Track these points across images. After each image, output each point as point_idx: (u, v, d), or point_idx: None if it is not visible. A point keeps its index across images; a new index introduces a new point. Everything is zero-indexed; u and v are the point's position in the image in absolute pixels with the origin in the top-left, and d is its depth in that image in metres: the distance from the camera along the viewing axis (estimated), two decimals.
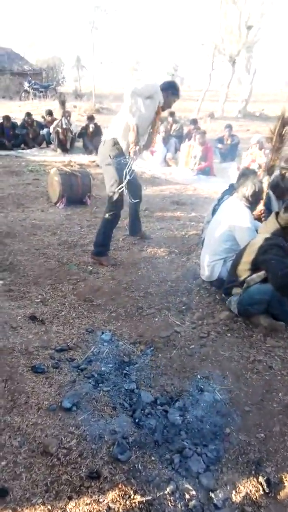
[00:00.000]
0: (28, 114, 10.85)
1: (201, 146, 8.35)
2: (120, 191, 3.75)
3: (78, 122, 12.31)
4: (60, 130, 9.89)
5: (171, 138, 9.53)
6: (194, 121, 10.97)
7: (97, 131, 10.32)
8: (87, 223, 5.18)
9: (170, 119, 10.14)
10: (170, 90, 3.87)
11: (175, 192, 7.21)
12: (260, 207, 3.83)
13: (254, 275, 2.92)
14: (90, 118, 10.66)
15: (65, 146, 10.06)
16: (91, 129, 10.21)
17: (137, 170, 8.02)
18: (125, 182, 3.72)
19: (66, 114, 10.03)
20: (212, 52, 20.45)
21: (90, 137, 10.28)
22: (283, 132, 3.58)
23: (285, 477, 1.88)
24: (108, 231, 3.99)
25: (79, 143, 10.66)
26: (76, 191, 5.84)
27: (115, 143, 3.74)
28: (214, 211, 3.93)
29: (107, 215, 3.91)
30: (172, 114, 10.12)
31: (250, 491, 1.82)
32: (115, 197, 3.79)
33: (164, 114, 5.19)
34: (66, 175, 5.79)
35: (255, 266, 2.91)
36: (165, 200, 6.62)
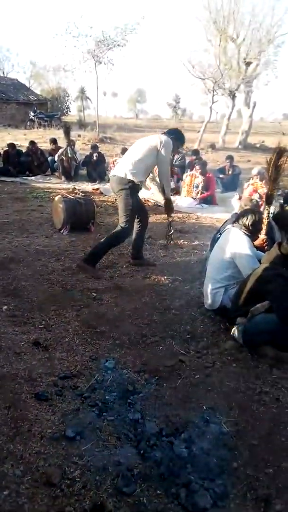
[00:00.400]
0: (32, 143, 11.09)
1: (203, 176, 8.49)
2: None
3: (82, 151, 12.57)
4: (64, 158, 10.08)
5: (173, 168, 9.69)
6: (196, 152, 11.21)
7: (101, 159, 10.53)
8: (91, 249, 5.20)
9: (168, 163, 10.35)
10: (175, 136, 4.26)
11: (178, 220, 7.26)
12: (262, 236, 3.87)
13: (259, 305, 2.92)
14: (94, 147, 10.89)
15: (69, 174, 10.23)
16: (94, 158, 10.41)
17: (141, 197, 8.19)
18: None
19: (71, 143, 10.25)
20: (213, 86, 21.12)
21: (94, 165, 10.47)
22: (279, 163, 3.69)
23: None
24: (109, 248, 4.36)
25: (83, 171, 10.85)
26: (80, 218, 5.90)
27: (130, 181, 4.09)
28: (215, 240, 3.99)
29: (116, 234, 4.22)
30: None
31: None
32: (127, 225, 4.18)
33: None
34: (70, 202, 5.86)
35: (259, 296, 2.91)
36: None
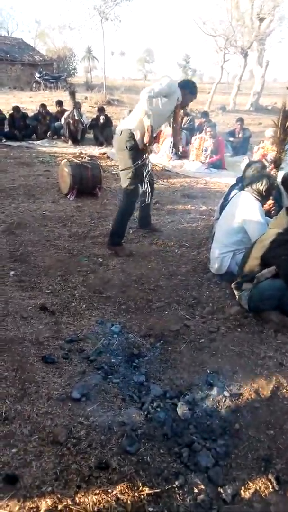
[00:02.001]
0: (43, 106, 10.82)
1: (212, 139, 8.27)
2: (133, 175, 3.86)
3: (88, 114, 12.27)
4: (71, 121, 9.86)
5: (182, 131, 9.43)
6: (206, 114, 10.88)
7: (108, 122, 10.28)
8: (98, 215, 5.17)
9: (181, 112, 10.04)
10: (188, 89, 3.93)
11: (186, 185, 7.16)
12: (270, 201, 3.79)
13: (265, 271, 2.89)
14: (101, 110, 10.60)
15: (75, 138, 10.03)
16: (101, 121, 10.17)
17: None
18: (145, 181, 3.93)
19: (77, 106, 9.98)
20: (224, 44, 20.21)
21: (101, 128, 10.23)
22: (287, 124, 3.56)
23: None
24: (124, 221, 4.05)
25: (89, 135, 10.63)
26: (86, 183, 5.83)
27: (131, 135, 3.78)
28: (222, 207, 3.91)
29: (123, 205, 3.99)
30: (183, 107, 10.04)
31: (259, 487, 1.81)
32: (131, 187, 3.88)
33: None
34: (76, 167, 5.77)
35: (265, 262, 2.88)
36: (176, 193, 6.59)
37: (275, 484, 1.82)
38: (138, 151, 3.82)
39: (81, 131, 10.07)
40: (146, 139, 3.71)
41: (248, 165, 4.09)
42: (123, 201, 4.02)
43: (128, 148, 3.80)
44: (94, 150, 9.26)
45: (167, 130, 9.09)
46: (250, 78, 30.04)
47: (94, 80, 30.08)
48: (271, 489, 1.80)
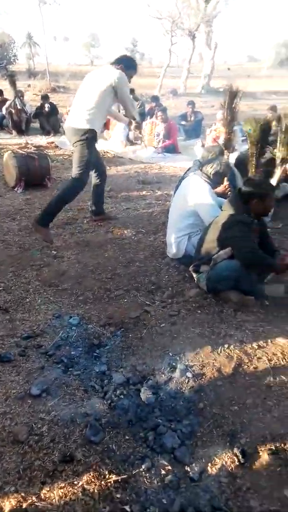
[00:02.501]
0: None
1: (164, 124, 8.24)
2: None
3: (32, 102, 11.88)
4: (13, 111, 9.49)
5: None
6: (156, 98, 10.83)
7: (54, 110, 10.00)
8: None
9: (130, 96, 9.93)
10: (124, 64, 3.77)
11: (140, 171, 7.11)
12: (225, 183, 3.83)
13: (221, 252, 2.91)
14: (45, 98, 10.29)
15: (20, 128, 9.68)
16: (46, 109, 9.87)
17: (100, 149, 7.88)
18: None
19: (19, 94, 9.62)
20: (171, 27, 20.14)
21: (46, 117, 9.93)
22: (233, 105, 3.60)
23: (259, 447, 1.90)
24: (62, 204, 3.94)
25: (35, 124, 10.30)
26: (34, 174, 5.64)
27: (86, 132, 3.70)
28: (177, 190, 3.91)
29: (67, 189, 3.87)
30: (132, 91, 9.91)
31: (226, 462, 1.84)
32: (83, 173, 3.80)
33: None
34: (22, 158, 5.57)
35: (221, 243, 2.90)
36: (130, 179, 6.53)
37: (240, 457, 1.85)
38: (93, 144, 3.82)
39: (25, 121, 9.72)
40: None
41: (207, 149, 4.10)
42: (68, 185, 3.88)
43: (86, 139, 3.72)
44: (41, 140, 8.99)
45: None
46: (200, 61, 30.17)
47: (38, 67, 29.09)
48: (237, 463, 1.83)
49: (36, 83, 18.86)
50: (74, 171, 3.83)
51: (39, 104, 10.35)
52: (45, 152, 6.24)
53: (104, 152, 8.06)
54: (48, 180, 5.80)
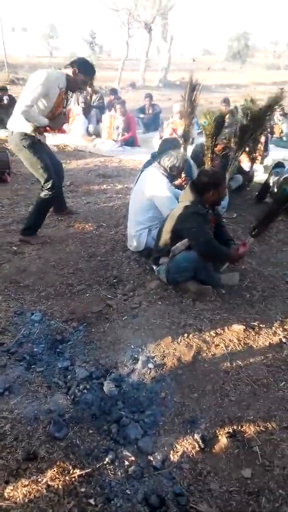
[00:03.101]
0: None
1: (123, 117, 8.21)
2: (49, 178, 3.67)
3: None
4: None
5: (91, 109, 9.25)
6: (114, 91, 10.76)
7: (13, 103, 9.69)
8: (8, 201, 4.93)
9: (89, 89, 9.80)
10: (79, 68, 3.52)
11: (100, 164, 7.07)
12: (182, 175, 3.89)
13: (179, 244, 2.97)
14: (3, 90, 9.96)
15: None
16: (5, 101, 9.56)
17: (60, 143, 7.71)
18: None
19: None
20: (127, 19, 19.99)
21: (5, 110, 9.62)
22: (193, 98, 3.65)
23: (218, 431, 1.98)
24: (44, 213, 3.89)
25: None
26: None
27: (25, 134, 3.53)
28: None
29: (42, 196, 3.75)
30: (90, 84, 9.79)
31: (187, 449, 1.91)
32: (49, 178, 3.67)
33: None
34: None
35: (178, 235, 2.96)
36: (90, 173, 6.49)
37: (200, 443, 1.92)
38: (38, 145, 3.62)
39: None
40: (53, 127, 3.63)
41: (165, 142, 4.12)
42: (43, 192, 3.74)
43: (26, 147, 3.54)
44: (0, 133, 8.72)
45: (76, 109, 8.86)
46: (158, 53, 30.15)
47: None
48: (197, 449, 1.90)
49: None
50: (41, 180, 3.73)
51: None
52: (4, 145, 6.06)
53: (64, 146, 7.95)
54: (7, 174, 5.66)
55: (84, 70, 3.55)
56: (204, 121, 3.51)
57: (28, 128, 3.50)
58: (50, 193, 3.72)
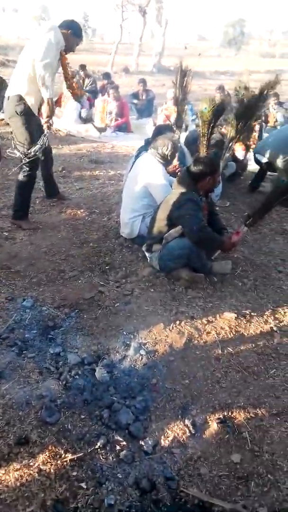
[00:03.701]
0: None
1: (116, 102, 8.11)
2: (34, 152, 3.54)
3: None
4: None
5: (84, 93, 9.11)
6: (108, 75, 10.59)
7: (2, 85, 9.51)
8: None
9: (81, 73, 9.65)
10: (71, 30, 3.52)
11: (93, 150, 6.99)
12: (175, 162, 3.86)
13: (172, 231, 2.97)
14: None
15: None
16: None
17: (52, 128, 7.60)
18: (39, 149, 3.57)
19: None
20: (121, 1, 19.62)
21: None
22: (184, 83, 3.60)
23: (209, 417, 2.01)
24: (25, 193, 3.80)
25: None
26: None
27: (21, 99, 3.44)
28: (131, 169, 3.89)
29: (21, 176, 3.69)
30: (83, 67, 9.62)
31: (178, 434, 1.93)
32: (29, 156, 3.56)
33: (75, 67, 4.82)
34: None
35: (171, 222, 2.95)
36: (83, 159, 6.41)
37: (191, 428, 1.95)
38: (30, 116, 3.51)
39: None
40: (46, 112, 3.49)
41: (158, 128, 4.07)
42: (21, 171, 3.69)
43: (19, 113, 3.45)
44: None
45: (68, 93, 8.71)
46: (152, 38, 29.72)
47: None
48: (188, 434, 1.93)
49: None
50: (19, 153, 3.62)
51: None
52: None
53: (56, 130, 7.82)
54: None
55: (75, 31, 3.56)
56: (204, 107, 3.46)
57: (24, 91, 3.41)
58: (29, 171, 3.64)
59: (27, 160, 3.57)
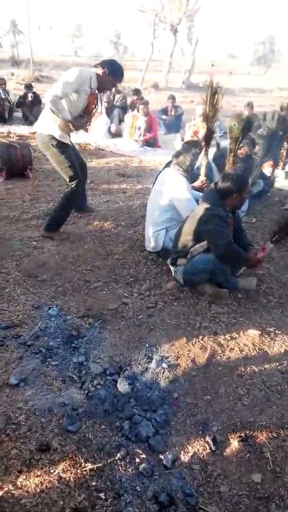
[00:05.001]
0: None
1: (145, 117, 8.25)
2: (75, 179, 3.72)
3: (16, 91, 11.67)
4: None
5: (114, 109, 9.32)
6: (137, 91, 10.79)
7: (37, 100, 9.86)
8: (30, 197, 5.00)
9: (113, 89, 9.87)
10: (107, 69, 3.53)
11: (121, 164, 7.11)
12: (202, 178, 3.89)
13: (197, 245, 2.98)
14: (28, 87, 10.12)
15: (3, 117, 9.53)
16: (30, 98, 9.73)
17: (81, 141, 7.78)
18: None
19: (1, 82, 9.45)
20: (153, 20, 20.04)
21: (30, 106, 9.80)
22: (215, 101, 3.63)
23: (230, 435, 1.98)
24: (69, 210, 3.95)
25: (18, 114, 10.14)
26: (16, 163, 5.58)
27: (52, 136, 3.57)
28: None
29: (68, 194, 3.80)
30: (114, 85, 9.84)
31: (198, 450, 1.91)
32: (75, 177, 3.71)
33: None
34: (4, 147, 5.50)
35: (197, 237, 2.96)
36: (111, 172, 6.53)
37: (212, 445, 1.93)
38: (63, 143, 3.63)
39: (8, 110, 9.58)
40: (74, 128, 3.60)
41: (187, 144, 4.12)
42: (67, 193, 3.80)
43: (54, 146, 3.58)
44: (24, 130, 8.85)
45: (99, 108, 8.92)
46: (181, 55, 30.15)
47: (22, 56, 28.48)
48: (208, 450, 1.91)
49: (20, 72, 18.47)
50: (66, 178, 3.77)
51: (22, 93, 10.17)
52: (27, 142, 6.15)
53: (86, 144, 8.02)
54: (29, 170, 5.74)
55: (113, 71, 3.57)
56: (234, 123, 3.49)
57: (56, 132, 3.54)
58: (75, 191, 3.77)
59: (73, 184, 3.72)
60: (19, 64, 22.10)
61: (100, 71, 3.54)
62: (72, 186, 3.74)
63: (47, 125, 3.56)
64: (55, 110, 3.38)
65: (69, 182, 3.74)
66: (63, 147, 3.63)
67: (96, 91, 3.65)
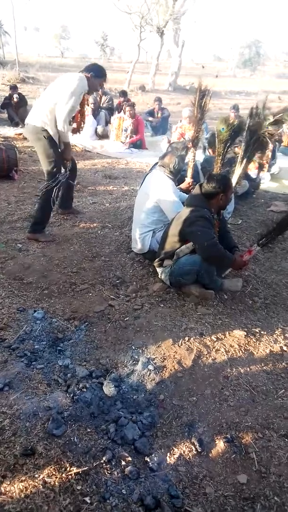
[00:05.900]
0: None
1: (132, 119, 8.25)
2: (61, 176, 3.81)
3: (1, 92, 11.57)
4: None
5: (101, 111, 9.30)
6: (124, 93, 10.79)
7: (22, 101, 9.79)
8: (15, 199, 4.95)
9: (99, 91, 9.85)
10: (92, 72, 3.71)
11: (107, 166, 7.10)
12: (188, 179, 3.90)
13: (183, 247, 2.99)
14: (13, 88, 10.04)
15: None
16: (15, 99, 9.65)
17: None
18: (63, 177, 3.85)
19: None
20: (140, 22, 20.09)
21: (15, 108, 9.72)
22: (203, 103, 3.66)
23: (215, 436, 1.99)
24: (48, 208, 3.89)
25: (3, 115, 10.06)
26: (1, 165, 5.53)
27: (43, 130, 3.63)
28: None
29: (46, 191, 3.77)
30: (101, 85, 9.82)
31: (184, 451, 1.91)
32: (54, 173, 3.75)
33: None
34: None
35: (183, 238, 2.97)
36: (97, 174, 6.51)
37: (197, 446, 1.93)
38: (53, 141, 3.70)
39: None
40: (67, 156, 3.84)
41: (173, 146, 4.13)
42: (46, 187, 3.78)
43: (46, 137, 3.64)
44: (9, 131, 8.77)
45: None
46: (168, 58, 30.28)
47: (7, 57, 28.26)
48: (194, 452, 1.91)
49: (5, 73, 18.29)
50: (46, 176, 3.79)
51: (7, 94, 10.08)
52: (12, 143, 6.10)
53: (73, 146, 7.96)
54: (15, 172, 5.69)
55: (99, 73, 3.77)
56: (222, 127, 3.51)
57: (50, 130, 3.63)
58: (49, 192, 3.76)
59: (53, 177, 3.76)
60: (4, 65, 21.90)
61: (86, 75, 3.68)
62: (49, 178, 3.76)
63: (42, 120, 3.62)
64: (62, 133, 3.65)
65: (47, 175, 3.79)
66: (54, 142, 3.71)
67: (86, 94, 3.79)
